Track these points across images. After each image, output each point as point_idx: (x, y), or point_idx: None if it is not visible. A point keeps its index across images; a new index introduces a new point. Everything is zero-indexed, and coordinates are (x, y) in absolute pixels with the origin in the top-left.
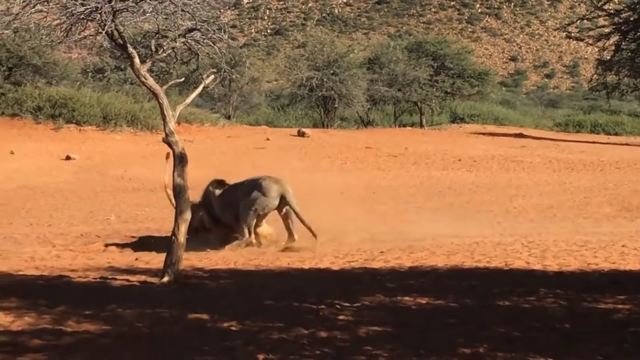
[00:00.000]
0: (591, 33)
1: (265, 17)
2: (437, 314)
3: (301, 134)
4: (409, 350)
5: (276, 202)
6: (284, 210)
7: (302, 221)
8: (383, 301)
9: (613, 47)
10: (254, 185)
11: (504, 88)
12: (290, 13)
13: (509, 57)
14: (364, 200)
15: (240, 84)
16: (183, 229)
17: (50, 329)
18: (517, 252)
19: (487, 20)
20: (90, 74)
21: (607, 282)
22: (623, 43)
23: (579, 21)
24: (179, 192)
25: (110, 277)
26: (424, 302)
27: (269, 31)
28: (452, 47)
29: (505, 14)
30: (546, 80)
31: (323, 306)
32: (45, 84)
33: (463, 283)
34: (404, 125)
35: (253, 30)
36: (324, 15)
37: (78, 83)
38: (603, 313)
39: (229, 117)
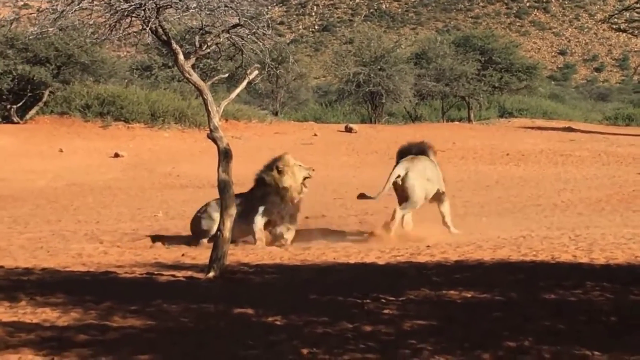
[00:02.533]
0: (636, 24)
1: (313, 14)
2: (483, 307)
3: (348, 130)
4: (453, 344)
5: None
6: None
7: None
8: (428, 295)
9: None
10: None
11: (552, 82)
12: (338, 9)
13: (558, 51)
14: None
15: (286, 80)
16: (228, 224)
17: (96, 324)
18: (564, 245)
19: (535, 14)
20: (138, 71)
21: None
22: None
23: (627, 13)
24: (223, 187)
25: (156, 272)
26: (469, 295)
27: (316, 27)
28: (499, 41)
29: (553, 8)
30: (595, 73)
31: (368, 300)
32: (94, 82)
33: (509, 277)
34: (452, 120)
35: (300, 27)
36: (371, 11)
37: (126, 81)
38: None
39: (276, 114)
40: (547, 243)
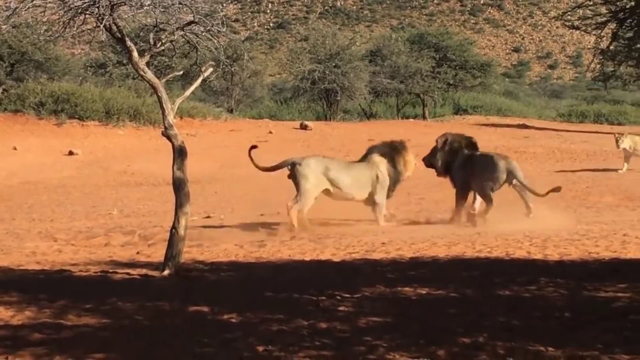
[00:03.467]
0: (589, 22)
1: (268, 11)
2: (438, 304)
3: (304, 127)
4: (408, 340)
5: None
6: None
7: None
8: (383, 292)
9: (610, 36)
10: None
11: (506, 79)
12: (293, 6)
13: (512, 48)
14: None
15: (241, 78)
16: (183, 221)
17: (51, 323)
18: (519, 242)
19: (489, 12)
20: (92, 69)
21: (607, 270)
22: (620, 31)
23: (581, 10)
24: (178, 185)
25: (111, 270)
26: (424, 292)
27: (271, 25)
28: (454, 38)
29: (507, 5)
30: (549, 70)
31: (323, 297)
32: (48, 79)
33: (464, 273)
34: (407, 117)
35: (255, 24)
36: (326, 8)
37: (80, 78)
38: (603, 302)
39: (231, 111)
40: (501, 240)
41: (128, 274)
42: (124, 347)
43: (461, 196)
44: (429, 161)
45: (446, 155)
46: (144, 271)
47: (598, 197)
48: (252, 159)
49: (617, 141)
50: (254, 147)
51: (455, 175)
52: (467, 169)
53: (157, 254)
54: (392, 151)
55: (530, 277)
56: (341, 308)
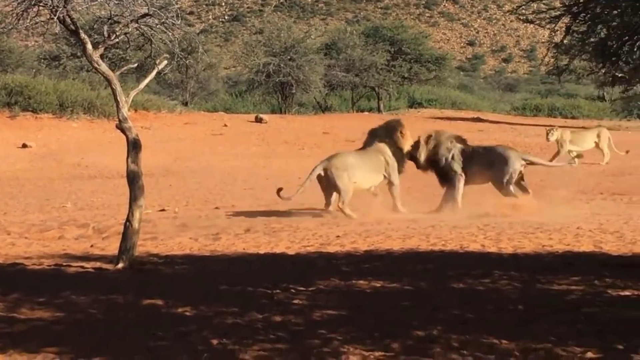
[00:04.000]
0: (543, 15)
1: (223, 4)
2: (392, 297)
3: (259, 120)
4: (363, 333)
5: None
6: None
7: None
8: (338, 285)
9: (564, 30)
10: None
11: (461, 73)
12: None
13: (467, 42)
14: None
15: (196, 71)
16: (137, 214)
17: (3, 316)
18: (473, 235)
19: (444, 5)
20: (46, 61)
21: (561, 263)
22: (574, 25)
23: (535, 4)
24: (133, 178)
25: (65, 264)
26: (378, 285)
27: (226, 17)
28: (409, 32)
29: None
30: (504, 64)
31: (278, 291)
32: (1, 71)
33: (418, 266)
34: (362, 111)
35: (210, 17)
36: (281, 1)
37: (34, 71)
38: (556, 294)
39: (186, 104)
40: (455, 232)
41: (82, 267)
42: (78, 340)
43: (457, 187)
44: (410, 155)
45: (430, 151)
46: (98, 264)
47: (552, 190)
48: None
49: (547, 134)
50: (280, 189)
51: (450, 169)
52: (474, 162)
53: (111, 247)
54: (390, 132)
55: (485, 270)
56: (296, 301)
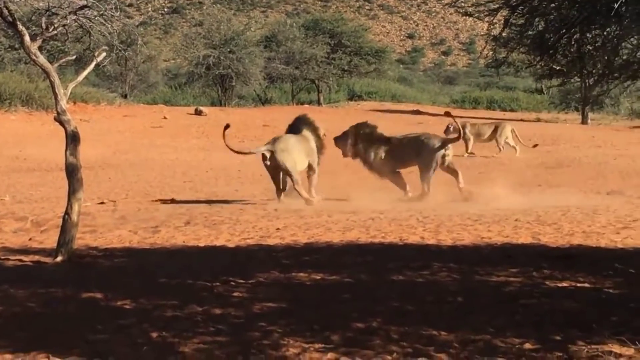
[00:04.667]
0: (482, 8)
1: None
2: (332, 289)
3: (198, 113)
4: (303, 326)
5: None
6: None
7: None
8: (278, 277)
9: (502, 23)
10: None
11: (401, 65)
12: None
13: (406, 35)
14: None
15: (136, 63)
16: (76, 207)
17: None
18: (412, 227)
19: None
20: None
21: (499, 255)
22: (512, 18)
23: None
24: (71, 171)
25: (2, 257)
26: (318, 277)
27: (165, 9)
28: (349, 24)
29: None
30: (443, 57)
31: (217, 283)
32: None
33: (358, 258)
34: (302, 103)
35: (150, 9)
36: None
37: None
38: (495, 286)
39: (125, 96)
40: (395, 225)
41: (20, 260)
42: (16, 334)
43: (392, 172)
44: (338, 142)
45: (357, 140)
46: (36, 258)
47: (491, 183)
48: (224, 138)
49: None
50: (227, 126)
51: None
52: (399, 150)
53: (50, 240)
54: (310, 124)
55: (424, 262)
56: (235, 294)
